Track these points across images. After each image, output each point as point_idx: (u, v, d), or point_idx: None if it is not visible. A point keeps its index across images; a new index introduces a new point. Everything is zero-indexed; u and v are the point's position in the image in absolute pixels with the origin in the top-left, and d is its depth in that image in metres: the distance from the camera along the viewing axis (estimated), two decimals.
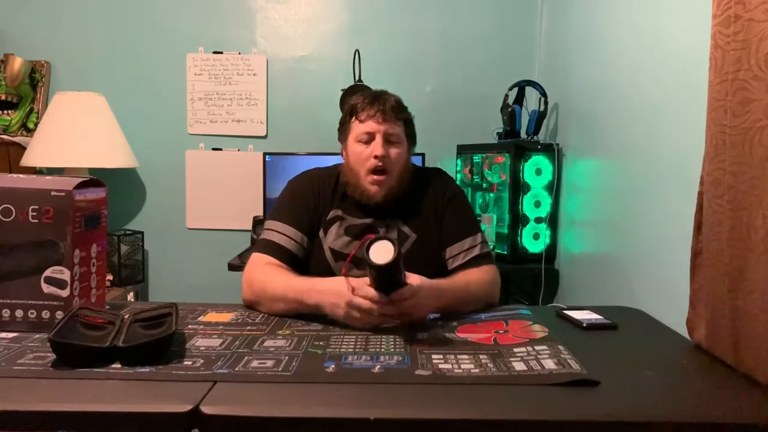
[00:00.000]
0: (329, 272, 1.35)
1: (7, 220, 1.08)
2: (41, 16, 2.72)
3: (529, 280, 2.46)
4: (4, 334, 1.07)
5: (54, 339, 0.91)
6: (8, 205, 1.08)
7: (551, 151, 2.32)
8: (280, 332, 1.12)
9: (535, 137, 2.40)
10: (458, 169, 2.64)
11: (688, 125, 1.37)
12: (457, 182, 2.03)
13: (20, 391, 0.84)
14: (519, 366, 0.95)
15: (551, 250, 2.37)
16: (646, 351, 1.09)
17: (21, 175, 1.20)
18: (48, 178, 1.16)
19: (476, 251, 1.39)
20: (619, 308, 1.39)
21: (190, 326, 1.15)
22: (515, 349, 1.03)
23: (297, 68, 2.77)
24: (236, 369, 0.93)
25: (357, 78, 2.54)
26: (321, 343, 1.06)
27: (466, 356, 1.00)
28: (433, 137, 2.39)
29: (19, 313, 1.09)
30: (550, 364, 0.95)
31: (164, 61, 2.75)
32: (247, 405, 0.82)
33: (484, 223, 2.33)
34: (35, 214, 1.08)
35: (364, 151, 1.37)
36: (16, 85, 2.66)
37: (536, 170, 2.33)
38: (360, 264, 1.24)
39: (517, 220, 2.34)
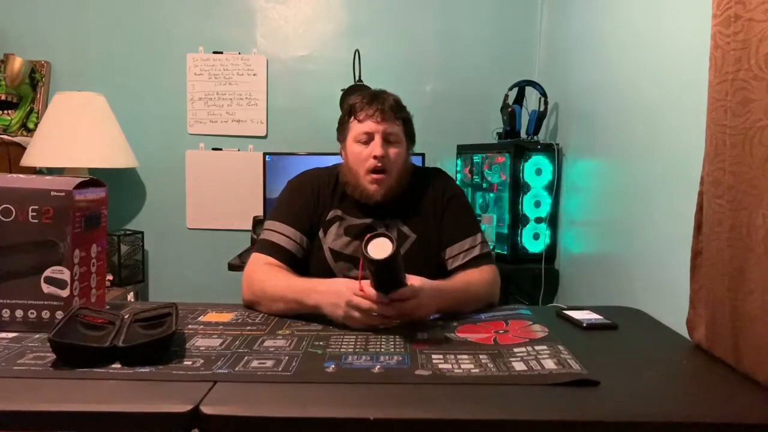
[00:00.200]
0: (329, 272, 1.35)
1: (7, 220, 1.08)
2: (41, 16, 2.72)
3: (529, 280, 2.46)
4: (4, 334, 1.07)
5: (54, 339, 0.91)
6: (8, 205, 1.08)
7: (551, 151, 2.32)
8: (280, 332, 1.12)
9: (535, 137, 2.40)
10: (458, 169, 2.64)
11: (688, 125, 1.37)
12: (457, 182, 2.03)
13: (20, 391, 0.84)
14: (519, 366, 0.95)
15: (551, 250, 2.37)
16: (646, 351, 1.09)
17: (21, 175, 1.20)
18: (48, 178, 1.16)
19: (476, 251, 1.39)
20: (619, 308, 1.39)
21: (190, 326, 1.15)
22: (515, 349, 1.03)
23: (297, 68, 2.77)
24: (236, 369, 0.93)
25: (357, 78, 2.54)
26: (321, 343, 1.06)
27: (466, 356, 1.00)
28: (433, 137, 2.40)
29: (19, 313, 1.09)
30: (550, 364, 0.95)
31: (164, 61, 2.75)
32: (247, 405, 0.82)
33: (484, 223, 2.33)
34: (35, 214, 1.08)
35: (363, 151, 1.37)
36: (16, 85, 2.66)
37: (536, 170, 2.33)
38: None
39: (517, 220, 2.34)
